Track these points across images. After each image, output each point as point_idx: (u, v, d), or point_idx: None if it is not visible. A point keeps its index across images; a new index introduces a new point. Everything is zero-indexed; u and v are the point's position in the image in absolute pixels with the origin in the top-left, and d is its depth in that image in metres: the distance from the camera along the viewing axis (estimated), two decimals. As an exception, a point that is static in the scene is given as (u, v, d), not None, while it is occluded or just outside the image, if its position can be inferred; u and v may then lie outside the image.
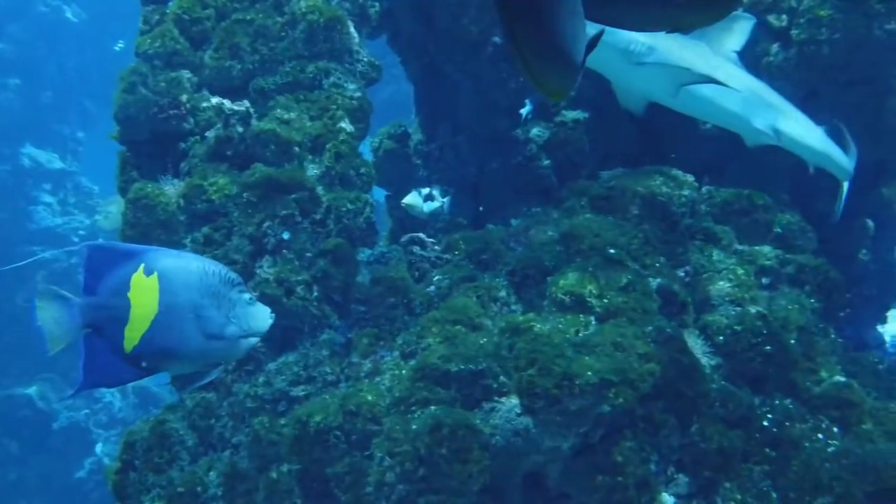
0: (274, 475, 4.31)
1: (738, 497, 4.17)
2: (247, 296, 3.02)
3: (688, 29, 1.93)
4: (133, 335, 2.82)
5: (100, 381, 2.92)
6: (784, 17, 5.12)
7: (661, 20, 1.89)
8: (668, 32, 1.96)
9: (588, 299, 4.31)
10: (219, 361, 3.03)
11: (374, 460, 4.00)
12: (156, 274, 2.83)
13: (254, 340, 3.07)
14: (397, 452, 3.90)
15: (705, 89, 4.66)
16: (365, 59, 5.22)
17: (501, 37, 4.84)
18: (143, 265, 2.83)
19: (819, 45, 5.00)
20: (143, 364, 2.86)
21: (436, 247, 5.03)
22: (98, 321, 2.82)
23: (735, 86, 4.63)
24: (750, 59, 5.23)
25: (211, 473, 4.50)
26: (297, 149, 4.81)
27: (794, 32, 5.07)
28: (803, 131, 4.94)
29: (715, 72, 4.60)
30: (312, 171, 4.83)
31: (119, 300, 2.82)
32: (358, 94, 5.08)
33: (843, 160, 5.10)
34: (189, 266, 2.92)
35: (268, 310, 3.08)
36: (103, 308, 2.82)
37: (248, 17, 5.06)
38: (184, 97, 4.94)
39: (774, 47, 5.17)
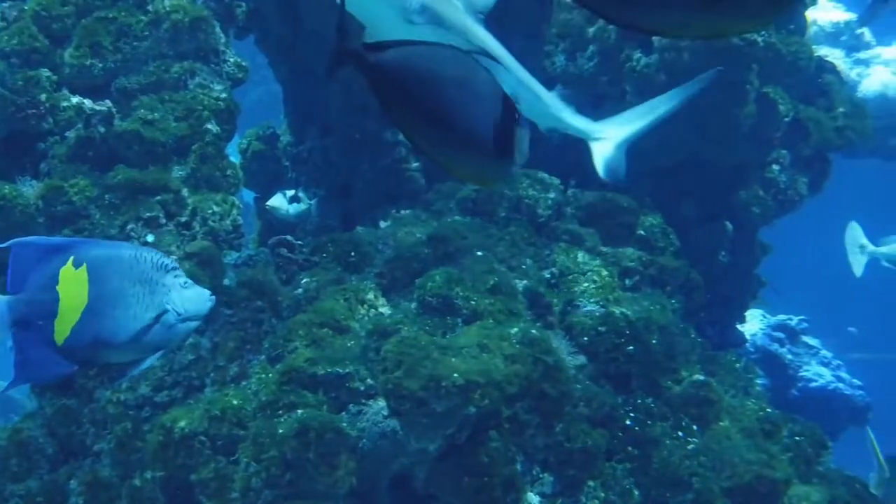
0: (137, 482, 4.23)
1: (602, 495, 4.25)
2: (182, 280, 3.00)
3: (731, 35, 1.91)
4: (63, 328, 2.80)
5: (33, 376, 2.91)
6: (646, 23, 5.22)
7: (703, 27, 1.84)
8: (708, 39, 1.94)
9: (455, 301, 4.34)
10: (158, 347, 3.01)
11: (239, 466, 3.95)
12: (85, 265, 2.81)
13: (193, 324, 3.05)
14: (264, 457, 3.86)
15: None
16: (231, 60, 5.16)
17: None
18: (72, 258, 2.81)
19: (680, 52, 5.11)
20: (78, 355, 2.83)
21: (304, 249, 4.99)
22: (28, 317, 2.79)
23: (496, 56, 4.60)
24: (614, 65, 5.33)
25: (72, 482, 4.39)
26: (161, 150, 4.73)
27: (655, 38, 5.18)
28: (540, 101, 4.91)
29: (475, 31, 4.54)
30: (177, 172, 4.76)
31: (47, 294, 2.79)
32: (224, 94, 5.01)
33: (580, 124, 5.08)
34: (120, 255, 2.90)
35: (206, 292, 3.06)
36: (32, 303, 2.79)
37: (111, 16, 4.95)
38: (43, 96, 4.81)
39: (637, 53, 5.28)
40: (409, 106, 2.46)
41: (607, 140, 5.03)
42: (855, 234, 5.57)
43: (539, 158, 5.33)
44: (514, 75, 4.73)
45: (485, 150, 2.47)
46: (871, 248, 5.26)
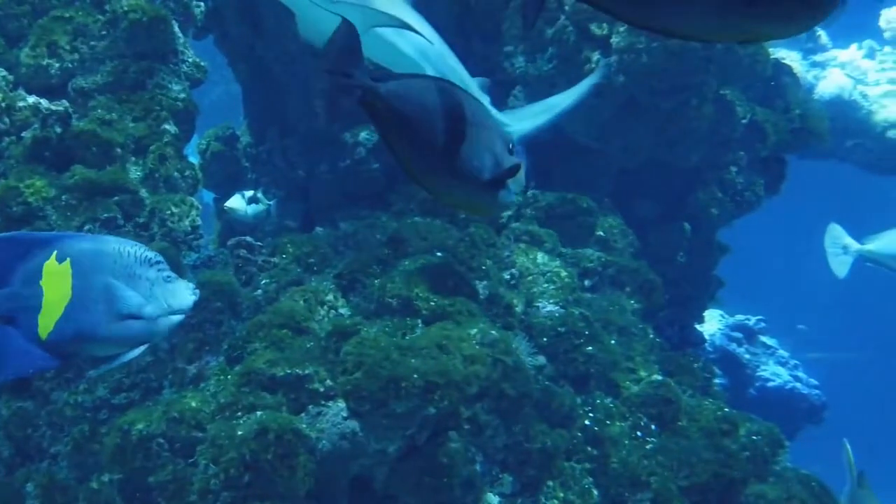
0: (95, 485, 4.19)
1: (561, 495, 4.27)
2: (165, 274, 2.99)
3: (764, 41, 1.87)
4: (47, 322, 2.79)
5: (18, 370, 2.90)
6: (605, 25, 5.25)
7: (734, 31, 1.79)
8: (740, 43, 1.91)
9: (415, 302, 4.34)
10: (142, 342, 3.00)
11: (198, 468, 3.93)
12: (68, 260, 2.80)
13: (177, 318, 3.04)
14: (222, 459, 3.85)
15: (391, 34, 4.60)
16: (190, 60, 5.13)
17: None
18: (55, 252, 2.80)
19: (638, 54, 5.15)
20: (61, 350, 2.83)
21: (263, 250, 4.98)
22: (11, 311, 2.78)
23: (422, 33, 4.64)
24: (573, 66, 5.36)
25: (28, 485, 4.34)
26: (119, 150, 4.69)
27: (614, 40, 5.21)
28: (469, 85, 4.93)
29: (403, 16, 4.52)
30: (135, 173, 4.72)
31: (31, 289, 2.78)
32: (183, 95, 4.99)
33: (493, 113, 5.06)
34: (104, 249, 2.89)
35: (190, 286, 3.06)
36: (15, 298, 2.78)
37: (67, 15, 4.91)
38: (-2, 96, 4.76)
39: (595, 55, 5.31)
40: (404, 136, 2.50)
41: (513, 133, 5.06)
42: (836, 234, 5.61)
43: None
44: (441, 57, 4.77)
45: (476, 181, 2.50)
46: (856, 247, 5.30)
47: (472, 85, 4.93)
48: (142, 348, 3.03)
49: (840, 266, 5.57)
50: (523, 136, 5.08)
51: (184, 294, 3.04)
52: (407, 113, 2.46)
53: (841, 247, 5.63)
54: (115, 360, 3.02)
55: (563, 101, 5.19)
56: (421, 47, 4.68)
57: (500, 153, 2.53)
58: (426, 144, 2.51)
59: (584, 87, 5.22)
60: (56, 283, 2.81)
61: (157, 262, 2.99)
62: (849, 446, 5.12)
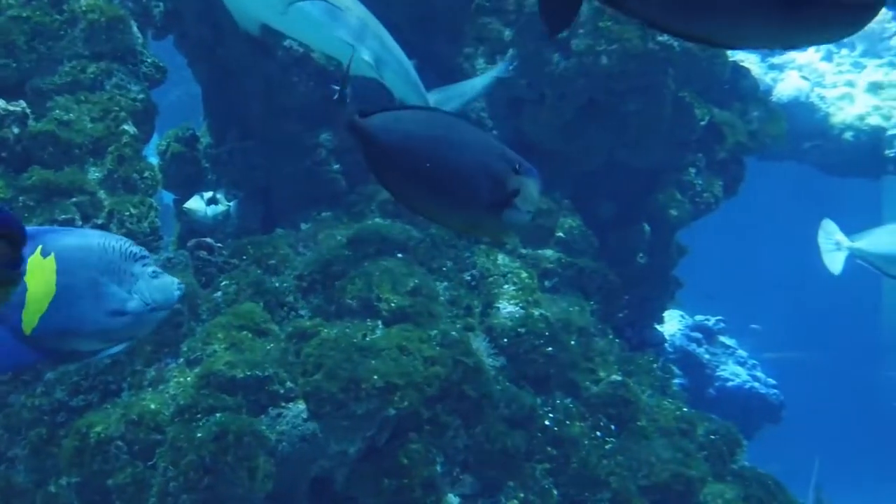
0: (52, 489, 4.16)
1: (521, 495, 4.28)
2: (150, 269, 2.98)
3: (802, 48, 1.82)
4: (31, 318, 2.78)
5: (1, 366, 2.89)
6: (565, 28, 5.28)
7: (771, 39, 1.76)
8: (782, 50, 1.86)
9: (375, 303, 4.35)
10: (127, 337, 2.99)
11: (157, 470, 3.92)
12: (53, 255, 2.78)
13: (161, 314, 3.04)
14: (182, 462, 3.83)
15: (315, 10, 4.49)
16: (149, 61, 5.10)
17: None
18: (40, 247, 2.78)
19: (597, 56, 5.18)
20: (45, 345, 2.82)
21: (223, 251, 4.96)
22: None
23: (346, 9, 4.55)
24: (533, 68, 5.38)
25: (-15, 489, 4.31)
26: (77, 151, 4.66)
27: (574, 42, 5.24)
28: (403, 69, 4.87)
29: None
30: (94, 174, 4.69)
31: None
32: (142, 95, 4.96)
33: (428, 99, 5.04)
34: (89, 244, 2.88)
35: (175, 281, 3.04)
36: None
37: (24, 15, 4.86)
38: (-45, 96, 4.71)
39: (556, 56, 5.33)
40: (399, 170, 2.51)
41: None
42: (829, 230, 5.66)
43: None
44: (377, 38, 4.68)
45: (477, 206, 2.50)
46: (847, 243, 5.34)
47: (410, 66, 4.88)
48: (126, 343, 3.03)
49: (834, 262, 5.62)
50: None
51: (169, 289, 3.04)
52: (394, 144, 2.48)
53: (834, 242, 5.68)
54: (99, 355, 3.01)
55: (471, 88, 5.19)
56: (353, 27, 4.58)
57: (501, 174, 2.52)
58: (416, 174, 2.52)
59: (487, 78, 5.23)
60: (40, 277, 2.79)
61: (143, 258, 2.98)
62: (817, 467, 5.18)
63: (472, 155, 2.52)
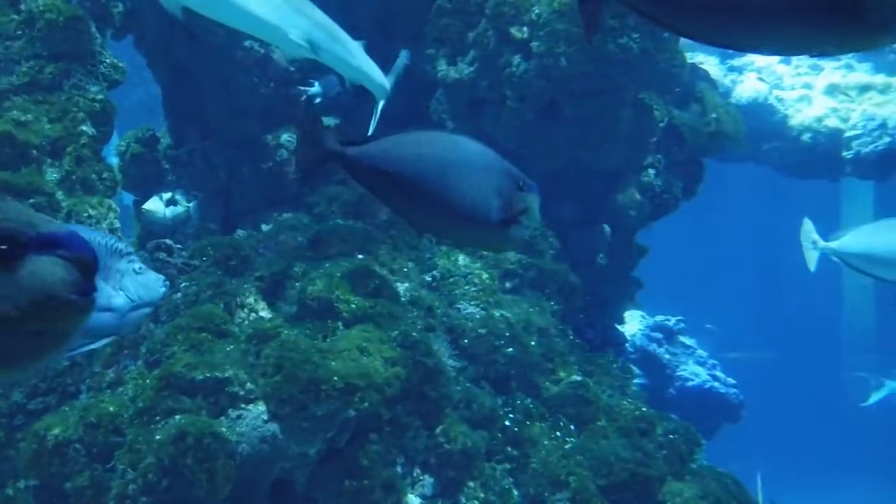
0: (10, 492, 4.13)
1: (482, 496, 4.29)
2: (136, 266, 2.97)
3: (830, 55, 1.83)
4: None
5: None
6: (525, 29, 5.30)
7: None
8: (813, 56, 1.85)
9: (336, 304, 4.34)
10: (111, 333, 2.96)
11: (116, 473, 3.90)
12: None
13: (146, 311, 3.04)
14: (140, 464, 3.82)
15: None
16: (108, 61, 5.07)
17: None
18: None
19: (557, 58, 5.20)
20: None
21: (183, 253, 4.94)
22: None
23: None
24: (494, 69, 5.40)
25: (-59, 493, 4.27)
26: (34, 152, 4.62)
27: (534, 45, 5.26)
28: (340, 46, 4.79)
29: None
30: (52, 175, 4.66)
31: None
32: (100, 96, 4.93)
33: (379, 78, 5.06)
34: None
35: (161, 278, 3.03)
36: None
37: (-19, 14, 4.83)
38: (-90, 97, 4.67)
39: (516, 58, 5.34)
40: (393, 191, 2.60)
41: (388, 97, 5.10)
42: (808, 229, 5.72)
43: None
44: (314, 19, 4.59)
45: (486, 224, 2.53)
46: (822, 243, 5.40)
47: (352, 47, 4.81)
48: (109, 339, 3.01)
49: (811, 260, 5.69)
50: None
51: (154, 286, 3.03)
52: (389, 169, 2.54)
53: (811, 242, 5.75)
54: (79, 349, 2.99)
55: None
56: (275, 5, 4.43)
57: (508, 192, 2.57)
58: (421, 195, 2.57)
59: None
60: None
61: (128, 254, 2.97)
62: (760, 481, 5.24)
63: (481, 175, 2.57)
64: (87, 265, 1.48)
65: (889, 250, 4.98)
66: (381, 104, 5.12)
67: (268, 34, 4.66)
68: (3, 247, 1.43)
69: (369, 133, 4.90)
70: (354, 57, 4.83)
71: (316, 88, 5.63)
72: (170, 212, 5.58)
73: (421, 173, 2.56)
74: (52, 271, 1.44)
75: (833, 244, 5.36)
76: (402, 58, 5.34)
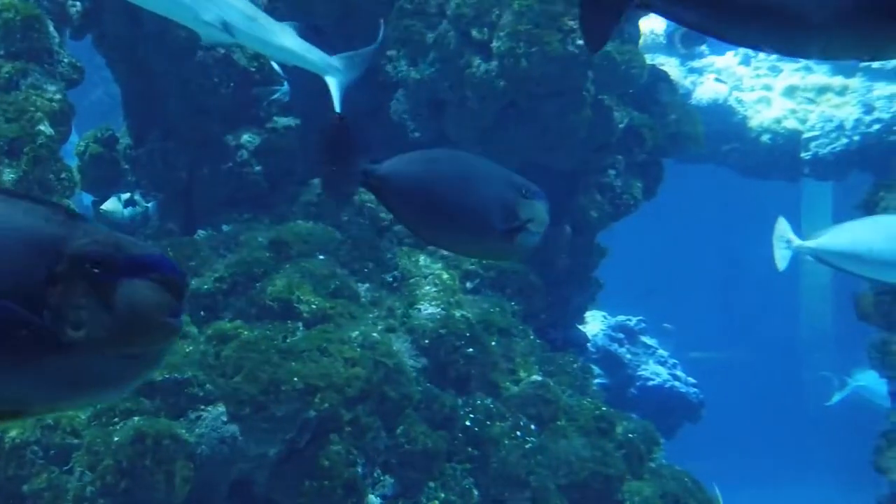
0: (-34, 495, 4.10)
1: (442, 496, 4.30)
2: None
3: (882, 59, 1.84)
4: None
5: None
6: (486, 30, 5.31)
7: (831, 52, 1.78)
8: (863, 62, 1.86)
9: (296, 305, 4.34)
10: None
11: (73, 475, 3.87)
12: None
13: None
14: (98, 466, 3.79)
15: None
16: (66, 61, 5.03)
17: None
18: None
19: (518, 58, 5.21)
20: None
21: (142, 254, 4.90)
22: None
23: None
24: (454, 70, 5.41)
25: None
26: (-9, 152, 4.59)
27: (494, 45, 5.27)
28: (259, 27, 4.71)
29: None
30: (8, 175, 4.62)
31: None
32: (58, 96, 4.89)
33: (317, 57, 4.97)
34: None
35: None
36: None
37: (-63, 13, 4.78)
38: None
39: (477, 59, 5.36)
40: (409, 206, 2.67)
41: (344, 75, 5.00)
42: (782, 228, 5.77)
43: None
44: (230, 4, 4.51)
45: (491, 233, 2.58)
46: (797, 242, 5.45)
47: (275, 28, 4.73)
48: None
49: (782, 259, 5.73)
50: (354, 79, 5.01)
51: None
52: (406, 186, 2.62)
53: (785, 241, 5.80)
54: None
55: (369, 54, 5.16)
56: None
57: (512, 201, 2.62)
58: (431, 210, 2.64)
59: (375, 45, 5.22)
60: None
61: None
62: (718, 491, 5.28)
63: (485, 186, 2.64)
64: (178, 287, 1.48)
65: (869, 248, 5.03)
66: (334, 81, 5.00)
67: (181, 15, 4.55)
68: (96, 271, 1.43)
69: (337, 111, 4.90)
70: (278, 38, 4.75)
71: (285, 88, 5.61)
72: (128, 212, 5.54)
73: (430, 190, 2.63)
74: (147, 295, 1.45)
75: (810, 243, 5.41)
76: (381, 34, 5.26)
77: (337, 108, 4.86)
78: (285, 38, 4.74)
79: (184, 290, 1.50)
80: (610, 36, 1.91)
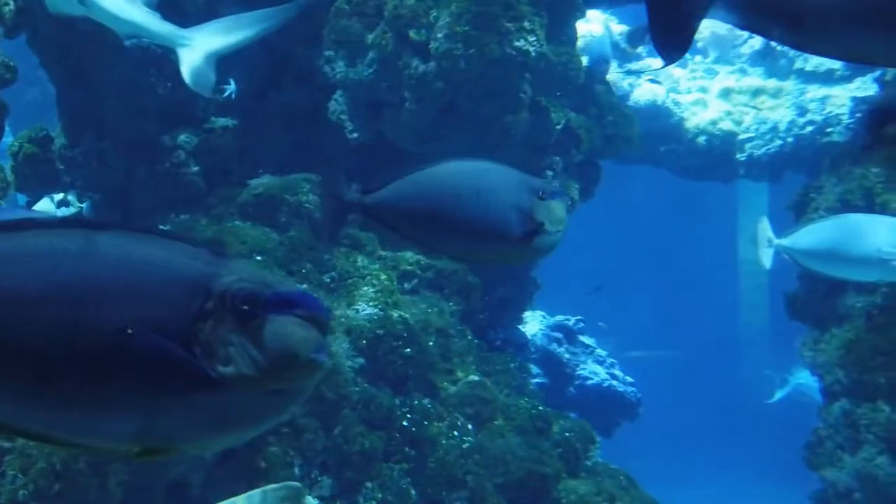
0: None
1: (380, 496, 4.32)
2: None
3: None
4: None
5: None
6: (423, 31, 5.33)
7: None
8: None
9: (233, 307, 4.32)
10: None
11: (6, 479, 3.83)
12: None
13: None
14: (31, 469, 3.76)
15: None
16: (-1, 60, 4.97)
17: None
18: None
19: (456, 60, 5.24)
20: None
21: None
22: None
23: None
24: (393, 71, 5.42)
25: None
26: (-79, 153, 4.53)
27: (432, 46, 5.29)
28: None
29: None
30: (-61, 176, 4.57)
31: None
32: (-9, 95, 4.84)
33: (162, 29, 4.93)
34: None
35: None
36: None
37: None
38: None
39: (415, 61, 5.37)
40: (415, 227, 2.70)
41: (196, 49, 4.96)
42: (764, 227, 5.85)
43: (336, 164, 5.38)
44: None
45: (508, 240, 2.59)
46: (776, 241, 5.53)
47: (133, 2, 4.70)
48: None
49: (765, 258, 5.82)
50: (213, 52, 4.96)
51: None
52: (405, 209, 2.65)
53: (766, 239, 5.90)
54: None
55: (256, 24, 5.10)
56: None
57: (527, 205, 2.62)
58: (440, 227, 2.66)
59: (280, 14, 5.12)
60: None
61: None
62: None
63: (497, 194, 2.64)
64: (323, 323, 1.50)
65: (832, 248, 5.12)
66: (183, 53, 4.96)
67: None
68: (245, 308, 1.45)
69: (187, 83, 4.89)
70: (130, 13, 4.73)
71: (232, 87, 5.57)
72: (61, 213, 5.49)
73: (438, 207, 2.65)
74: (293, 331, 1.46)
75: (784, 241, 5.49)
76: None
77: (189, 84, 4.81)
78: (138, 13, 4.70)
79: (328, 326, 1.52)
80: (688, 48, 1.82)
